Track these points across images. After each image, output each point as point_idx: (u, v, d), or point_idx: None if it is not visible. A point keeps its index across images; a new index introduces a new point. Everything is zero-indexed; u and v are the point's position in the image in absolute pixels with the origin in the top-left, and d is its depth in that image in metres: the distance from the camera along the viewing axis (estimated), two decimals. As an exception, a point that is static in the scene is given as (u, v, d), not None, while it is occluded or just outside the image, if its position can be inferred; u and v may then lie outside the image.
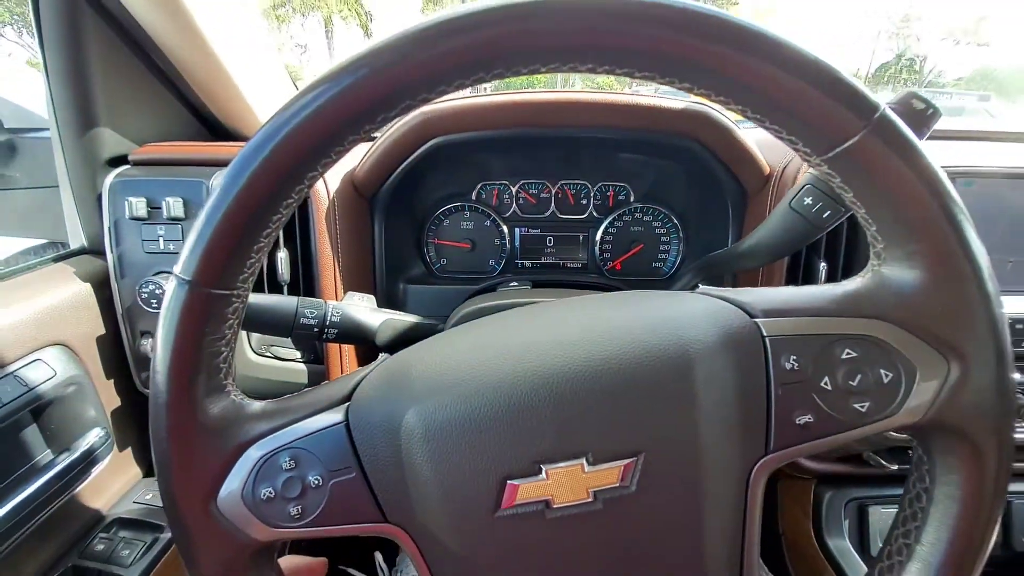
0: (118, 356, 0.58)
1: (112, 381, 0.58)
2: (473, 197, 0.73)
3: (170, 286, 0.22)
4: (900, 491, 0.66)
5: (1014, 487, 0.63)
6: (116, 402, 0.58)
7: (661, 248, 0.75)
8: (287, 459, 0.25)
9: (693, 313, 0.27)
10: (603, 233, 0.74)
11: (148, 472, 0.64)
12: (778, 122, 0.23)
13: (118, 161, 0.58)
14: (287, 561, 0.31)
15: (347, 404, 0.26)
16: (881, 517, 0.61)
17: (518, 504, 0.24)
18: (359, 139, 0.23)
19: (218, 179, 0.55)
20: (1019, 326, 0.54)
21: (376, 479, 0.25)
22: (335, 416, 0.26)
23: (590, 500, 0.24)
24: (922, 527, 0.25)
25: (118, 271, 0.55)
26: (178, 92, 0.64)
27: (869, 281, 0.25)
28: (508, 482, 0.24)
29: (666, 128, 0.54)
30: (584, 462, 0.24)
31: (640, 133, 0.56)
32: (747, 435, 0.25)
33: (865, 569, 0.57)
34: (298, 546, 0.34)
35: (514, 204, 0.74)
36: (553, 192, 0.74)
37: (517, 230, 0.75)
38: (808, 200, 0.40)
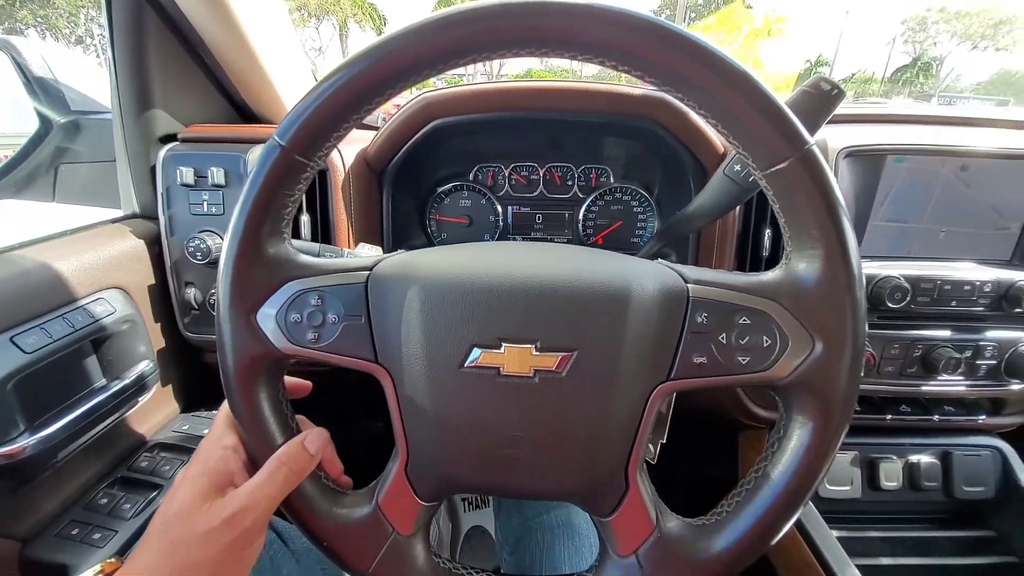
0: (166, 303, 0.68)
1: (160, 325, 0.68)
2: (471, 178, 0.83)
3: (266, 146, 0.31)
4: (846, 439, 0.74)
5: (951, 440, 0.71)
6: (162, 343, 0.68)
7: (638, 224, 0.83)
8: (316, 298, 0.34)
9: (644, 268, 0.35)
10: (586, 211, 0.83)
11: (186, 408, 0.74)
12: (733, 136, 0.32)
13: (168, 139, 0.69)
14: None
15: (369, 272, 0.35)
16: (825, 459, 0.68)
17: (478, 366, 0.33)
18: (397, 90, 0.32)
19: (254, 153, 0.65)
20: (947, 287, 0.61)
21: (378, 328, 0.34)
22: (359, 276, 0.35)
23: (530, 375, 0.32)
24: (776, 462, 0.33)
25: (169, 230, 0.65)
26: (217, 82, 0.75)
27: (777, 272, 0.33)
28: (474, 347, 0.32)
29: (632, 112, 0.63)
30: (533, 347, 0.32)
31: (612, 117, 0.65)
32: (657, 362, 0.33)
33: (812, 504, 0.65)
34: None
35: (507, 184, 0.83)
36: (541, 174, 0.83)
37: (509, 208, 0.84)
38: (737, 167, 0.48)
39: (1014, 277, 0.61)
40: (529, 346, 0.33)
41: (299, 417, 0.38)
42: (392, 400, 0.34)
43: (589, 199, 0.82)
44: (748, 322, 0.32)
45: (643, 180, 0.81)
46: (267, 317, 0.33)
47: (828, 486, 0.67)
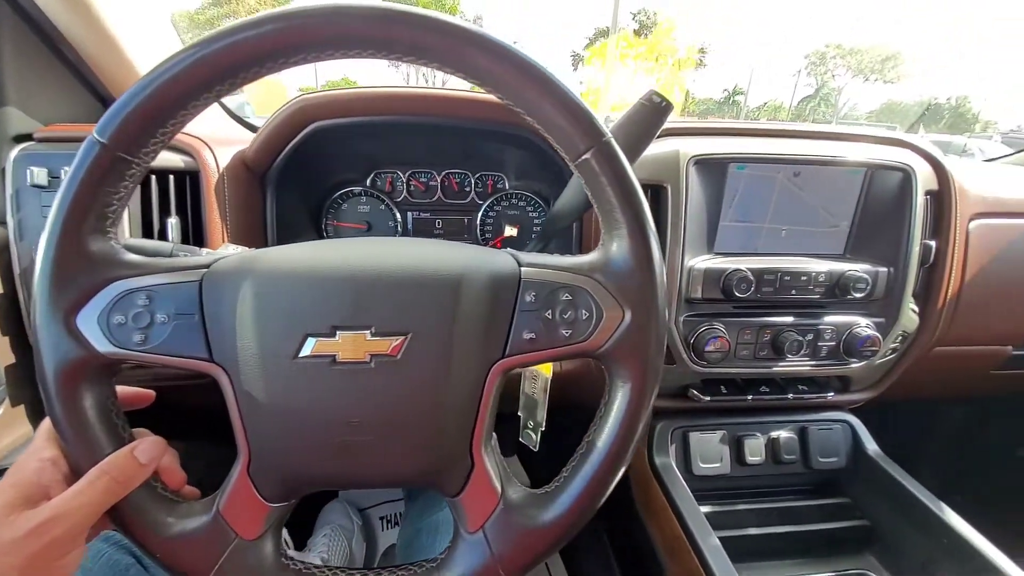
0: (15, 316, 0.62)
1: (8, 339, 0.62)
2: (368, 183, 0.83)
3: (86, 143, 0.31)
4: (715, 420, 0.80)
5: (807, 417, 0.79)
6: (11, 358, 0.62)
7: (534, 227, 0.87)
8: (143, 298, 0.33)
9: (484, 256, 0.37)
10: (483, 216, 0.86)
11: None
12: (545, 131, 0.35)
13: (23, 139, 0.64)
14: (120, 388, 0.37)
15: (204, 271, 0.35)
16: (699, 440, 0.74)
17: (313, 355, 0.33)
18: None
19: None
20: (786, 278, 0.69)
21: (212, 325, 0.33)
22: (193, 275, 0.34)
23: (366, 360, 0.33)
24: (600, 429, 0.36)
25: (17, 235, 0.60)
26: (83, 78, 0.71)
27: (595, 252, 0.37)
28: (308, 337, 0.33)
29: (504, 119, 0.67)
30: (368, 333, 0.34)
31: (489, 124, 0.68)
32: (492, 341, 0.35)
33: (682, 480, 0.70)
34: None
35: (405, 191, 0.85)
36: (439, 180, 0.85)
37: (409, 214, 0.85)
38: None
39: (844, 268, 0.70)
40: (364, 332, 0.34)
41: (140, 429, 0.37)
42: (230, 399, 0.34)
43: (486, 204, 0.85)
44: (569, 298, 0.35)
45: (535, 184, 0.85)
46: (88, 319, 0.32)
47: (701, 464, 0.73)
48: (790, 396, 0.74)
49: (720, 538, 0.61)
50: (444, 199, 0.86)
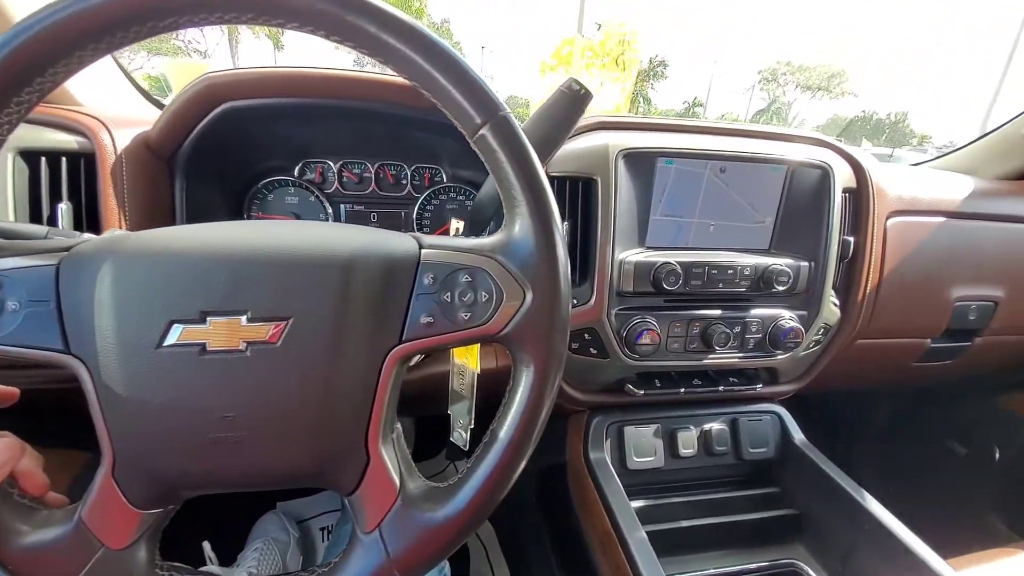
0: None
1: None
2: (296, 173, 0.79)
3: None
4: (650, 414, 0.80)
5: (738, 409, 0.81)
6: None
7: (472, 222, 0.85)
8: None
9: (382, 237, 0.35)
10: (419, 209, 0.83)
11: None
12: (443, 107, 0.33)
13: None
14: None
15: (63, 254, 0.31)
16: (634, 434, 0.74)
17: (179, 343, 0.30)
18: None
19: None
20: (714, 272, 0.70)
21: (69, 313, 0.30)
22: (49, 260, 0.30)
23: (241, 348, 0.30)
24: (502, 420, 0.34)
25: None
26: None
27: (498, 233, 0.35)
28: (174, 324, 0.30)
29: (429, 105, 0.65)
30: (244, 318, 0.31)
31: (413, 111, 0.66)
32: (387, 326, 0.33)
33: (616, 476, 0.69)
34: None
35: (337, 182, 0.81)
36: (373, 172, 0.82)
37: (342, 206, 0.82)
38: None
39: (769, 262, 0.72)
40: (239, 317, 0.31)
41: (2, 432, 0.33)
42: (90, 395, 0.30)
43: (422, 197, 0.83)
44: (469, 279, 0.34)
45: (470, 177, 0.83)
46: None
47: (635, 458, 0.73)
48: (721, 388, 0.76)
49: (650, 532, 0.61)
50: (379, 191, 0.82)
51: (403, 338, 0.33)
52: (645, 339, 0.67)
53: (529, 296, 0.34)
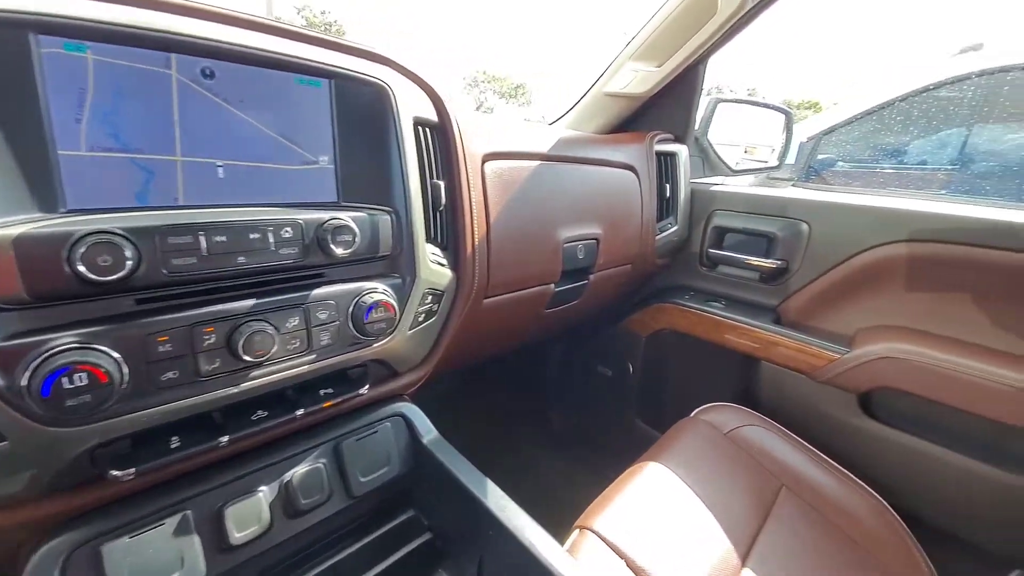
0: None
1: None
2: None
3: None
4: (165, 501, 0.47)
5: (341, 431, 0.57)
6: None
7: None
8: None
9: None
10: None
11: None
12: None
13: None
14: None
15: None
16: (125, 551, 0.42)
17: None
18: None
19: None
20: (220, 239, 0.43)
21: None
22: None
23: None
24: None
25: None
26: None
27: None
28: None
29: None
30: None
31: None
32: None
33: None
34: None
35: None
36: None
37: None
38: None
39: (324, 217, 0.49)
40: None
41: None
42: None
43: None
44: None
45: None
46: None
47: None
48: (301, 412, 0.51)
49: None
50: None
51: None
52: (76, 381, 0.35)
53: None
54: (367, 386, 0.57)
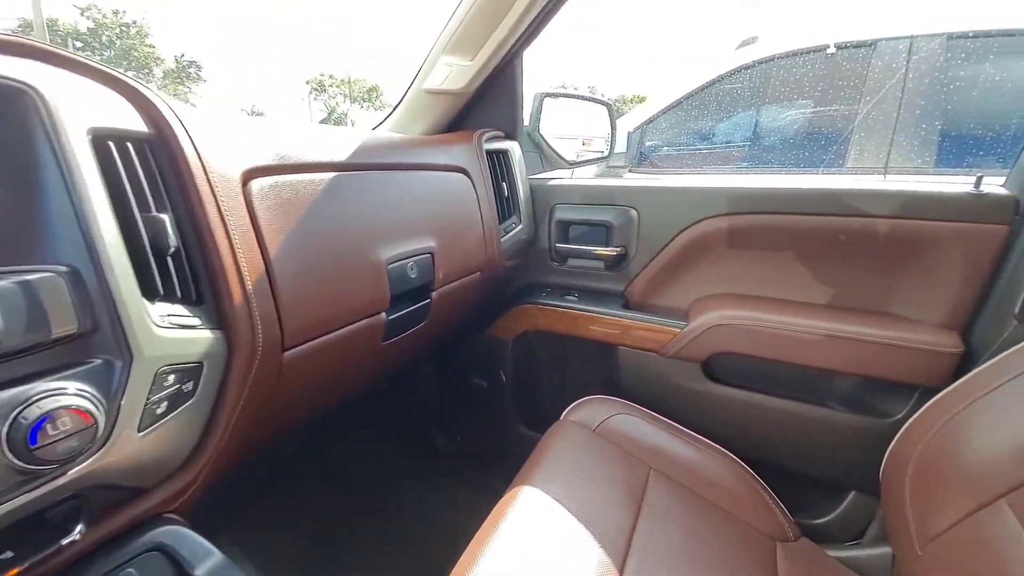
0: None
1: None
2: None
3: None
4: None
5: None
6: None
7: None
8: None
9: None
10: None
11: None
12: None
13: None
14: None
15: None
16: None
17: None
18: None
19: None
20: None
21: None
22: None
23: None
24: None
25: None
26: None
27: None
28: None
29: None
30: None
31: None
32: None
33: None
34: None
35: None
36: None
37: None
38: None
39: None
40: None
41: None
42: None
43: None
44: None
45: None
46: None
47: None
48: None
49: None
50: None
51: None
52: None
53: None
54: (81, 527, 0.39)
